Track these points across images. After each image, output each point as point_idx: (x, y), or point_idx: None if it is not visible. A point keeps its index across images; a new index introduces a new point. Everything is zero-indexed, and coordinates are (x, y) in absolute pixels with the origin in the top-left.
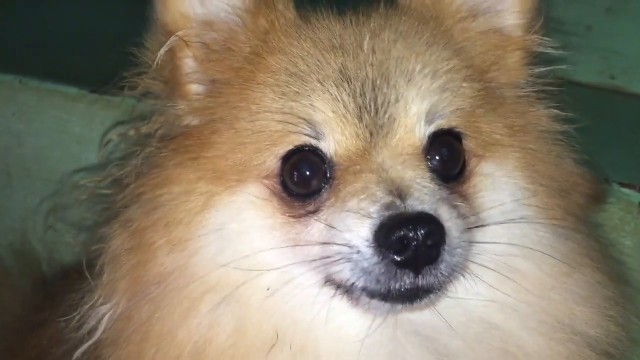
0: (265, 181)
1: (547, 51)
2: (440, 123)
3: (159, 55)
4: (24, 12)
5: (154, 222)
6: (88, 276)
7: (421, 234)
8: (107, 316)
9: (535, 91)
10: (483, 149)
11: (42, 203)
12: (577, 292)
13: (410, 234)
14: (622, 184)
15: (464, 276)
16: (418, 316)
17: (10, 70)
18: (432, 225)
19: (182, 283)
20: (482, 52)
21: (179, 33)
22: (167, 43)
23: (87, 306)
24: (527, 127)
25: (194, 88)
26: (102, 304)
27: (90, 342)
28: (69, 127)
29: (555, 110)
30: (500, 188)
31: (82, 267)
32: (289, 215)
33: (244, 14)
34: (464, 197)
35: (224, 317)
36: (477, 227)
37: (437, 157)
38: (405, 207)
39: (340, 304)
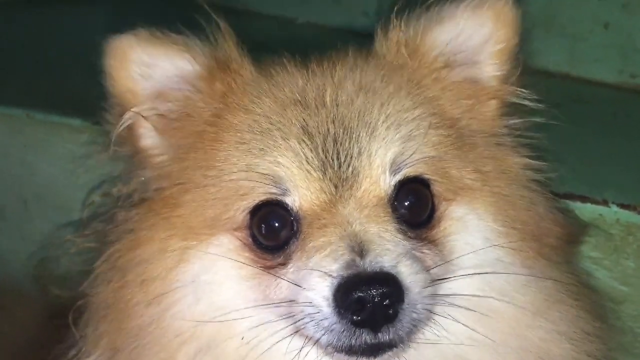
0: (237, 233)
1: (523, 102)
2: (407, 171)
3: (115, 133)
4: (23, 42)
5: (131, 281)
6: (73, 329)
7: (378, 295)
8: None
9: (509, 139)
10: (453, 193)
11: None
12: (554, 328)
13: (367, 296)
14: (623, 205)
15: (431, 324)
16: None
17: (18, 104)
18: (389, 285)
19: (159, 336)
20: (455, 101)
21: (133, 109)
22: (122, 120)
23: (73, 358)
24: (499, 173)
25: (158, 158)
26: (87, 356)
27: None
28: (75, 156)
29: (528, 160)
30: (472, 230)
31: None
32: (259, 266)
33: (196, 81)
34: (434, 242)
35: None
36: (446, 279)
37: (405, 203)
38: (364, 266)
39: (312, 354)
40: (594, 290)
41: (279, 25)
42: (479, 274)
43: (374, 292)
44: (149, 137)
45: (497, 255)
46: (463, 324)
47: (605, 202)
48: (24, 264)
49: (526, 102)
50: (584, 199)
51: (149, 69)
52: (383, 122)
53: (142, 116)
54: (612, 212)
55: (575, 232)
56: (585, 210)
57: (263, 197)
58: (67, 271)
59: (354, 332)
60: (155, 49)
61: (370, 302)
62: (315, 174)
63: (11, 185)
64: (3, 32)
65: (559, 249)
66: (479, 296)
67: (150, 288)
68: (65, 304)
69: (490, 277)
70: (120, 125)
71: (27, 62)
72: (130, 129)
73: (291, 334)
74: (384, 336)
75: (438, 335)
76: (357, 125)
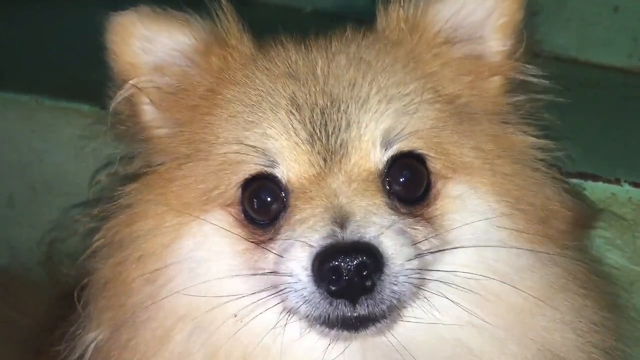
0: (229, 209)
1: (527, 79)
2: (400, 146)
3: (113, 104)
4: (33, 27)
5: (128, 257)
6: (78, 306)
7: (354, 265)
8: (93, 344)
9: (514, 117)
10: (451, 171)
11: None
12: (559, 317)
13: (343, 265)
14: (635, 184)
15: (423, 299)
16: (387, 339)
17: (27, 90)
18: (366, 255)
19: (155, 312)
20: (455, 77)
21: (132, 81)
22: (121, 92)
23: (77, 334)
24: (503, 152)
25: (156, 132)
26: (89, 332)
27: None
28: (84, 142)
29: (534, 138)
30: (471, 210)
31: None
32: (251, 242)
33: (194, 55)
34: (429, 220)
35: (195, 345)
36: (437, 251)
37: (400, 180)
38: (343, 237)
39: (300, 329)
40: (604, 279)
41: (286, 14)
42: (472, 247)
43: (350, 261)
44: (148, 111)
45: (499, 237)
46: (462, 307)
47: (617, 181)
48: (33, 251)
49: (531, 79)
50: (595, 177)
51: (149, 43)
52: (374, 95)
53: (140, 89)
54: (624, 191)
55: (586, 216)
56: (597, 189)
57: (253, 171)
58: (76, 251)
59: (331, 302)
60: (156, 24)
61: (346, 272)
62: (303, 147)
63: (19, 171)
64: (13, 18)
65: (567, 234)
66: (478, 278)
67: (147, 264)
68: (74, 285)
69: (491, 260)
70: (119, 97)
71: (35, 48)
72: (131, 103)
73: (281, 311)
74: (362, 309)
75: (433, 316)
76: (347, 97)
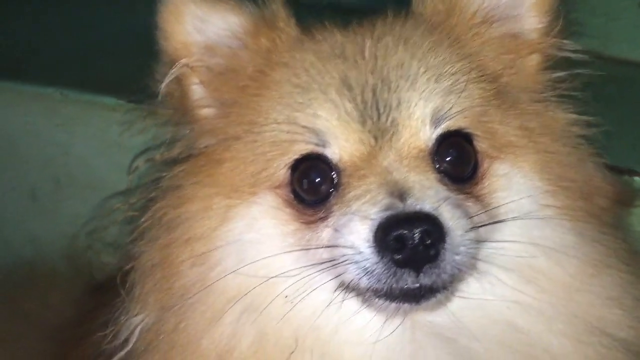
0: (278, 190)
1: (566, 55)
2: (448, 124)
3: (164, 84)
4: (57, 20)
5: (176, 239)
6: (121, 291)
7: (418, 233)
8: (139, 327)
9: (554, 94)
10: (497, 150)
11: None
12: (605, 293)
13: (407, 233)
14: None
15: (475, 275)
16: (438, 318)
17: (52, 82)
18: (430, 224)
19: (204, 295)
20: (496, 56)
21: (183, 60)
22: (172, 71)
23: (121, 318)
24: (544, 130)
25: (204, 112)
26: (135, 315)
27: (123, 352)
28: (109, 135)
29: (574, 115)
30: (517, 189)
31: (114, 282)
32: (301, 222)
33: (244, 36)
34: (477, 198)
35: (245, 327)
36: (488, 224)
37: (446, 159)
38: (404, 208)
39: (354, 306)
40: None
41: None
42: (520, 219)
43: (414, 230)
44: (197, 91)
45: (544, 214)
46: (510, 286)
47: (630, 172)
48: (55, 244)
49: (569, 54)
50: (631, 172)
51: (202, 23)
52: (423, 74)
53: (191, 68)
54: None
55: (626, 194)
56: (634, 183)
57: (304, 151)
58: (115, 241)
59: (395, 272)
60: (208, 4)
61: (410, 240)
62: (354, 125)
63: (43, 165)
64: (37, 11)
65: (609, 211)
66: (524, 255)
67: (195, 247)
68: (113, 275)
69: (537, 237)
70: (170, 76)
71: (60, 41)
72: (180, 83)
73: (334, 289)
74: (426, 278)
75: (482, 293)
76: (397, 77)
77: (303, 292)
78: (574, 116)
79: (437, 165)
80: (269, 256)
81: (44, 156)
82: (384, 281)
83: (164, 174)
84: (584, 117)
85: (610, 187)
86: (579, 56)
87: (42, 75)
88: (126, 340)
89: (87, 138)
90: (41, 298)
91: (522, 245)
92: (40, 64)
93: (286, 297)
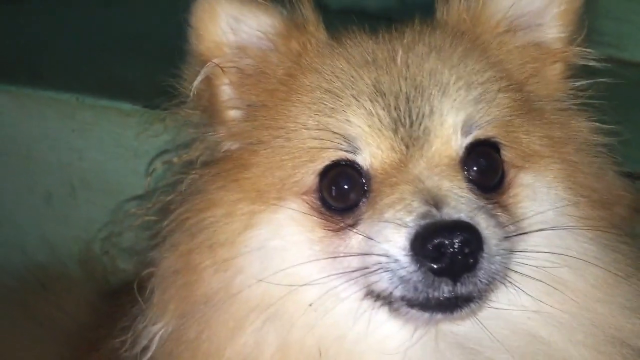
0: (304, 197)
1: (588, 64)
2: (478, 134)
3: (195, 84)
4: (73, 26)
5: (199, 245)
6: (139, 298)
7: (458, 242)
8: (158, 335)
9: (576, 103)
10: (522, 160)
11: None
12: (625, 303)
13: (447, 242)
14: None
15: (505, 285)
16: (460, 328)
17: (68, 88)
18: (468, 232)
19: (227, 303)
20: (520, 65)
21: (215, 60)
22: (204, 71)
23: (140, 326)
24: (567, 139)
25: (232, 114)
26: (154, 323)
27: None
28: (125, 141)
29: (596, 123)
30: (541, 199)
31: (132, 289)
32: (328, 229)
33: (276, 38)
34: (504, 208)
35: (269, 335)
36: (517, 235)
37: (475, 168)
38: (441, 216)
39: (381, 316)
40: None
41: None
42: (548, 229)
43: (454, 239)
44: (226, 92)
45: (566, 224)
46: (532, 296)
47: None
48: (71, 248)
49: (592, 63)
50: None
51: (236, 23)
52: (454, 82)
53: (222, 68)
54: None
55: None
56: None
57: (334, 157)
58: (132, 246)
59: (433, 281)
60: (242, 4)
61: (450, 249)
62: (386, 133)
63: (58, 170)
64: (53, 15)
65: (628, 220)
66: (547, 265)
67: (218, 253)
68: (129, 280)
69: (560, 247)
70: (201, 76)
71: (76, 46)
72: (210, 83)
73: (362, 299)
74: (462, 288)
75: (506, 303)
76: (429, 85)
77: (329, 302)
78: (595, 125)
79: (467, 174)
80: (294, 264)
81: (59, 161)
82: (420, 290)
83: (183, 176)
84: (605, 126)
85: (630, 196)
86: (600, 64)
87: (58, 80)
88: (145, 348)
89: (103, 143)
90: (56, 303)
91: (545, 255)
92: (56, 69)
93: (311, 305)
